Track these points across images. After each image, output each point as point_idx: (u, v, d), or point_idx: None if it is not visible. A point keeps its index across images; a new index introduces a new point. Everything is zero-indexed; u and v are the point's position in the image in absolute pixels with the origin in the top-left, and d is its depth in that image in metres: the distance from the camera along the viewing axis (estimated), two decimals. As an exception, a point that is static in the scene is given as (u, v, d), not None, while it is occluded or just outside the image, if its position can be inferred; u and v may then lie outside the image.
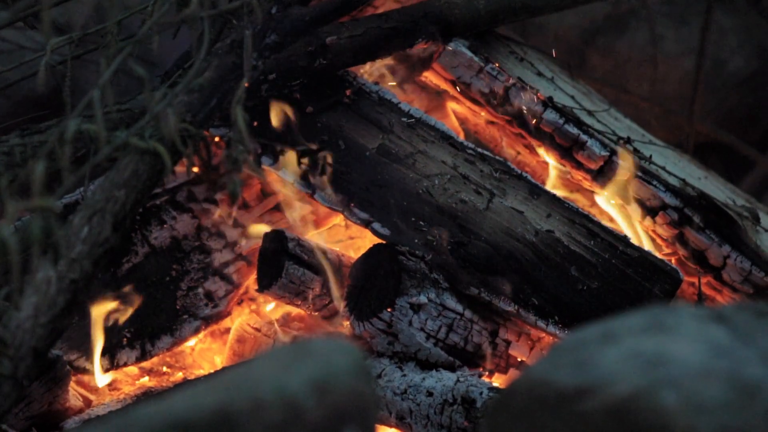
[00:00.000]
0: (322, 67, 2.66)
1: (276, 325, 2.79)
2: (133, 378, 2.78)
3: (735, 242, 2.88)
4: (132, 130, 2.03)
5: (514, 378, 1.83)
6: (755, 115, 4.49)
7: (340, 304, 2.67)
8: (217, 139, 2.71)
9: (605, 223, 2.77)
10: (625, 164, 2.82)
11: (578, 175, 2.89)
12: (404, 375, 2.57)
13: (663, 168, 2.92)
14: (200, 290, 2.80)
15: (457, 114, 2.99)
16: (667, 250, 2.90)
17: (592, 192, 2.92)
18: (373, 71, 2.90)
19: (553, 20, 4.13)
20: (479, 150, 2.74)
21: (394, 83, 2.89)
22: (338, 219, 2.90)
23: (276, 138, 2.65)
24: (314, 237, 2.80)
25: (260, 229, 2.80)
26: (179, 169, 2.69)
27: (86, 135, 1.95)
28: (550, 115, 2.84)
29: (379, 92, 2.75)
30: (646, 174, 2.86)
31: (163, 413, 1.44)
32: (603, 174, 2.85)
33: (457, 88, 2.86)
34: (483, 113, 2.91)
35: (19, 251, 1.65)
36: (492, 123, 2.95)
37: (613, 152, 2.84)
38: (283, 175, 2.67)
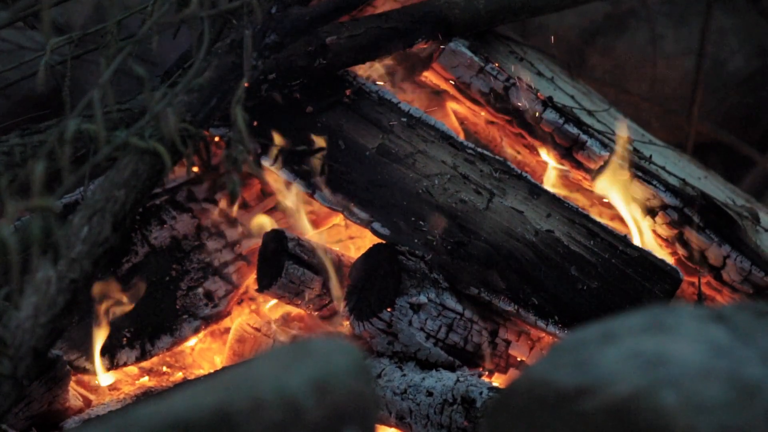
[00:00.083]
0: (321, 67, 2.67)
1: (276, 325, 2.79)
2: (133, 378, 2.78)
3: (735, 242, 2.88)
4: (132, 130, 2.03)
5: (514, 378, 1.83)
6: (755, 115, 4.49)
7: (340, 304, 2.67)
8: (217, 139, 2.71)
9: (605, 222, 2.77)
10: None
11: (578, 175, 2.89)
12: (404, 375, 2.57)
13: (663, 168, 2.93)
14: (200, 290, 2.80)
15: (457, 114, 2.99)
16: (666, 250, 2.90)
17: (592, 192, 2.92)
18: (373, 71, 2.90)
19: (553, 20, 4.13)
20: (479, 150, 2.74)
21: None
22: (338, 219, 2.90)
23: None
24: (314, 237, 2.80)
25: (263, 221, 2.79)
26: (179, 169, 2.69)
27: (86, 135, 1.95)
28: (550, 114, 2.84)
29: (379, 92, 2.75)
30: (646, 174, 2.86)
31: (163, 413, 1.44)
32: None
33: (457, 87, 2.86)
34: (483, 113, 2.91)
35: (19, 251, 1.65)
36: (492, 123, 2.95)
37: (613, 152, 2.84)
38: (284, 175, 2.67)
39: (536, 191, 2.73)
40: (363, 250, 2.69)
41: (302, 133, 2.67)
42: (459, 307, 2.61)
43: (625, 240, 2.73)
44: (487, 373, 2.66)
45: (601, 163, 2.84)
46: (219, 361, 2.86)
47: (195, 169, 2.78)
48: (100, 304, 2.62)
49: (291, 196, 2.74)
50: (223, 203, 2.83)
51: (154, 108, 2.00)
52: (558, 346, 1.57)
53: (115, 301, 2.65)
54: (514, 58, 2.96)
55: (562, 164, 2.89)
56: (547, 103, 2.85)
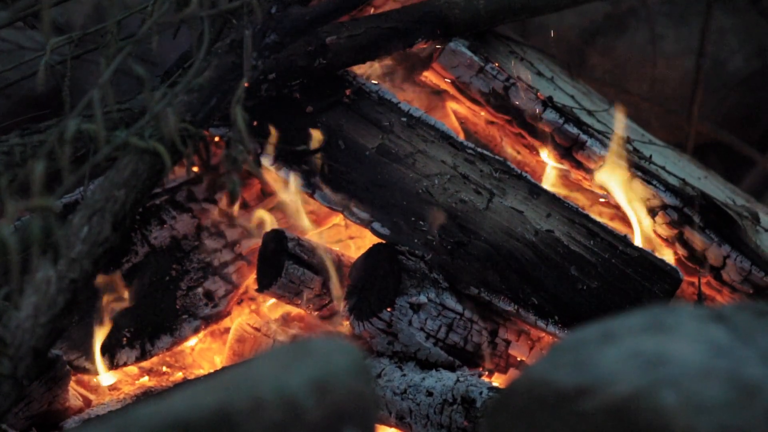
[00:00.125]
0: (321, 67, 2.67)
1: (276, 325, 2.79)
2: (133, 378, 2.78)
3: (735, 242, 2.88)
4: (132, 129, 2.03)
5: (514, 378, 1.83)
6: (755, 115, 4.49)
7: (340, 304, 2.67)
8: (216, 138, 2.71)
9: (605, 222, 2.77)
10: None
11: (578, 175, 2.89)
12: (404, 375, 2.57)
13: (663, 168, 2.93)
14: (200, 290, 2.80)
15: (457, 114, 2.99)
16: (666, 250, 2.90)
17: (592, 191, 2.92)
18: (373, 71, 2.90)
19: (553, 20, 4.13)
20: (479, 150, 2.74)
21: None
22: (338, 219, 2.90)
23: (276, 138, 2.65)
24: (314, 237, 2.80)
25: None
26: (179, 169, 2.69)
27: (86, 135, 1.95)
28: (550, 114, 2.84)
29: (379, 92, 2.75)
30: (646, 174, 2.86)
31: (163, 413, 1.44)
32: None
33: (457, 87, 2.86)
34: (483, 113, 2.91)
35: (19, 251, 1.65)
36: (492, 123, 2.95)
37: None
38: (284, 175, 2.67)
39: (536, 191, 2.73)
40: (363, 250, 2.69)
41: (302, 133, 2.67)
42: (459, 307, 2.61)
43: (625, 240, 2.73)
44: (487, 373, 2.66)
45: (601, 163, 2.84)
46: (219, 361, 2.86)
47: (195, 169, 2.77)
48: (102, 298, 2.63)
49: (291, 196, 2.74)
50: (223, 203, 2.83)
51: (154, 108, 2.01)
52: (558, 346, 1.57)
53: (117, 297, 2.66)
54: (514, 58, 2.96)
55: (562, 164, 2.89)
56: (547, 103, 2.85)
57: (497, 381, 2.66)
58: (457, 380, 2.52)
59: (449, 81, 2.87)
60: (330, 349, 1.57)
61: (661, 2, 4.36)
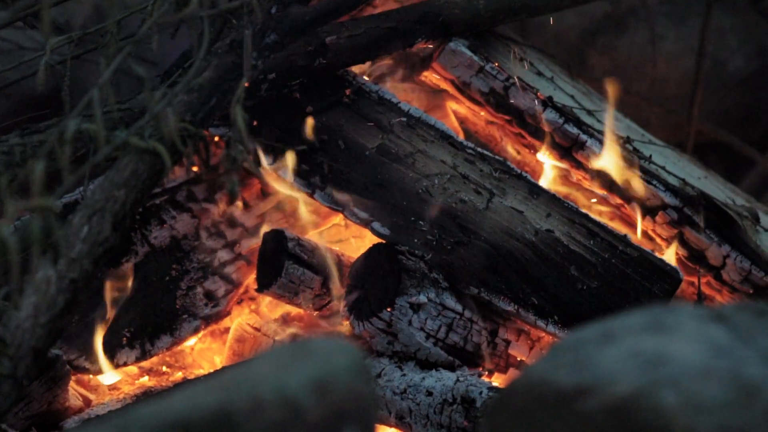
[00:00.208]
0: (321, 67, 2.66)
1: (275, 324, 2.79)
2: (133, 378, 2.78)
3: (735, 242, 2.88)
4: (132, 129, 2.03)
5: (514, 378, 1.83)
6: (755, 115, 4.49)
7: (340, 304, 2.67)
8: (216, 138, 2.71)
9: (605, 222, 2.77)
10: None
11: (578, 175, 2.89)
12: (404, 374, 2.57)
13: (663, 168, 2.93)
14: (200, 290, 2.80)
15: (457, 114, 2.99)
16: (666, 250, 2.90)
17: (592, 191, 2.92)
18: (373, 71, 2.90)
19: (553, 20, 4.13)
20: (479, 150, 2.74)
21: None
22: (338, 219, 2.90)
23: (276, 138, 2.65)
24: (314, 237, 2.80)
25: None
26: (179, 168, 2.69)
27: (86, 135, 1.95)
28: (550, 114, 2.84)
29: (378, 92, 2.75)
30: (646, 174, 2.86)
31: (162, 413, 1.44)
32: (603, 173, 2.85)
33: (457, 87, 2.86)
34: (483, 113, 2.91)
35: (19, 251, 1.65)
36: (492, 123, 2.95)
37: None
38: (283, 175, 2.67)
39: (536, 191, 2.73)
40: (363, 250, 2.69)
41: (302, 133, 2.67)
42: (459, 307, 2.61)
43: (625, 240, 2.73)
44: (486, 372, 2.66)
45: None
46: (219, 361, 2.86)
47: (195, 168, 2.78)
48: (107, 292, 2.63)
49: (290, 196, 2.74)
50: (223, 203, 2.83)
51: (154, 108, 2.00)
52: (558, 345, 1.57)
53: (121, 291, 2.66)
54: (514, 58, 2.96)
55: (562, 164, 2.89)
56: (547, 102, 2.85)
57: (497, 381, 2.66)
58: (457, 380, 2.52)
59: (449, 81, 2.87)
60: (330, 349, 1.57)
61: (661, 2, 4.37)
